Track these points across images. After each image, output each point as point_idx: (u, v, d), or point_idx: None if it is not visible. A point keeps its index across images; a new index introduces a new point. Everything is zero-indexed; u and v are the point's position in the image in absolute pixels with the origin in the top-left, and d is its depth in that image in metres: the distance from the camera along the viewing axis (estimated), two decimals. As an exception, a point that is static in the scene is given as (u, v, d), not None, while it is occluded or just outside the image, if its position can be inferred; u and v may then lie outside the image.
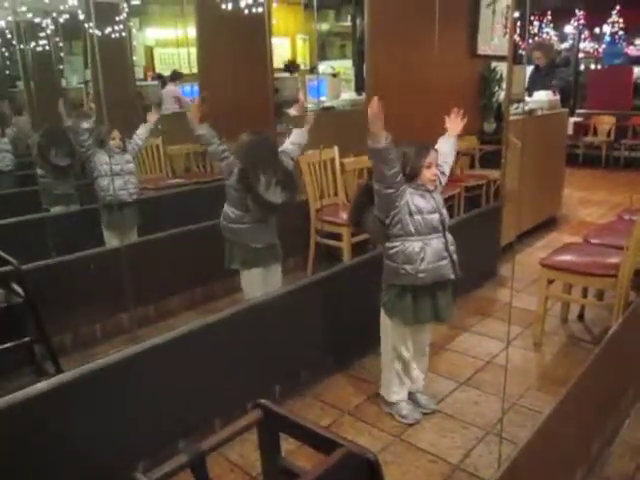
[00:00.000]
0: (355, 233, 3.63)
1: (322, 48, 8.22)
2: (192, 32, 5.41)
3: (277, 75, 5.89)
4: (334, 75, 7.08)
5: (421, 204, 2.26)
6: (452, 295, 2.37)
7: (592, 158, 8.27)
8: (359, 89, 6.38)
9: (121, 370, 1.97)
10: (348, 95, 5.67)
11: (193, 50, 5.39)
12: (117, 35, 5.18)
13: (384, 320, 2.42)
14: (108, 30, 5.10)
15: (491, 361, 2.87)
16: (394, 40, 4.32)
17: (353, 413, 2.49)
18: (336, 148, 4.01)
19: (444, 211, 2.32)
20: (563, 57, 8.59)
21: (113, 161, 3.55)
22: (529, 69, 5.68)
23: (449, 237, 2.30)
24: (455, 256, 2.30)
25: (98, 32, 4.83)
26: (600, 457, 2.14)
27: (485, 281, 3.86)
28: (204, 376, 2.23)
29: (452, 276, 2.28)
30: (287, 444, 1.81)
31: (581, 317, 3.34)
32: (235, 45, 5.20)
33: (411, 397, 2.49)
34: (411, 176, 2.27)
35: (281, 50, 7.33)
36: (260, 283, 2.86)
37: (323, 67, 7.32)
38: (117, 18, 5.09)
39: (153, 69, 6.35)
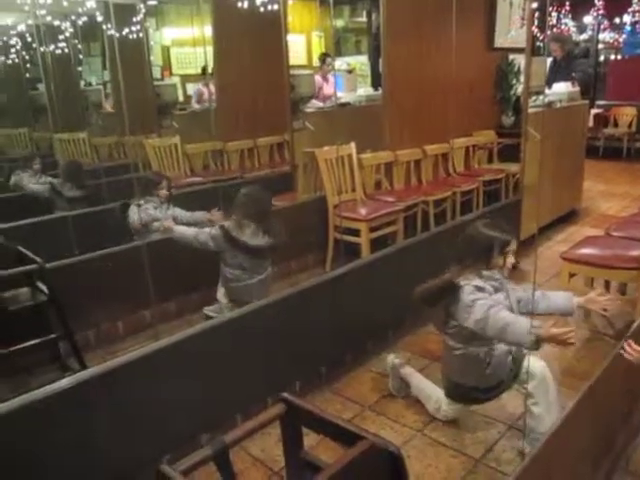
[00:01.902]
0: (374, 229, 3.64)
1: (337, 44, 8.20)
2: (208, 31, 5.45)
3: (293, 72, 5.90)
4: (350, 71, 7.06)
5: (497, 299, 2.08)
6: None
7: (613, 150, 8.14)
8: (375, 84, 6.37)
9: (144, 366, 2.00)
10: (364, 91, 5.66)
11: (210, 49, 5.43)
12: (134, 36, 5.23)
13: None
14: (125, 31, 5.16)
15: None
16: (410, 35, 4.30)
17: (374, 408, 2.49)
18: (353, 144, 4.00)
19: (516, 308, 2.14)
20: (581, 48, 8.46)
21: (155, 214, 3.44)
22: (548, 61, 5.60)
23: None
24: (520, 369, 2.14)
25: (116, 33, 4.90)
26: (625, 451, 2.12)
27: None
28: (225, 371, 2.25)
29: (511, 382, 2.18)
30: (308, 439, 1.82)
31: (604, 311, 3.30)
32: (251, 43, 5.23)
33: None
34: (488, 263, 2.14)
35: (297, 47, 7.33)
36: None
37: (339, 63, 7.30)
38: (134, 19, 5.14)
39: (170, 69, 6.41)
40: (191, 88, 6.26)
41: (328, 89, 5.79)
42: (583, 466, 1.82)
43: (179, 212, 3.50)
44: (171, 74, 6.38)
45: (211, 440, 1.30)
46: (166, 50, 6.40)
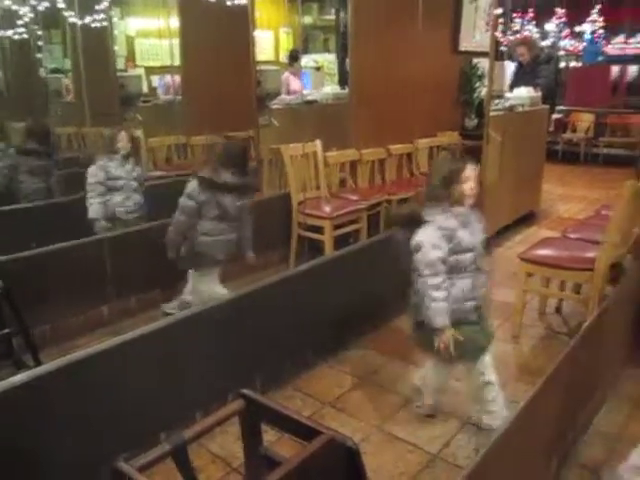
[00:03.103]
0: (338, 227, 3.66)
1: (305, 41, 8.19)
2: (175, 23, 5.37)
3: (260, 68, 5.88)
4: (317, 69, 7.07)
5: (465, 240, 2.12)
6: (479, 330, 2.26)
7: (571, 154, 8.39)
8: (342, 83, 6.39)
9: (101, 363, 1.97)
10: (331, 89, 5.67)
11: (176, 42, 5.36)
12: (98, 24, 5.12)
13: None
14: (88, 19, 5.04)
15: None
16: (377, 35, 4.33)
17: (334, 404, 2.51)
18: (319, 141, 4.01)
19: (479, 247, 2.18)
20: (546, 54, 8.68)
21: (115, 173, 3.41)
22: (513, 65, 5.73)
23: (479, 278, 2.19)
24: (482, 298, 2.21)
25: (79, 21, 4.78)
26: (574, 445, 2.19)
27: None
28: (185, 368, 2.23)
29: (474, 318, 2.21)
30: (268, 435, 1.83)
31: (558, 310, 3.40)
32: (218, 37, 5.18)
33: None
34: (448, 197, 2.12)
35: (264, 43, 7.29)
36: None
37: (306, 61, 7.30)
38: (98, 7, 5.03)
39: (134, 60, 6.30)
40: (156, 80, 6.17)
41: (296, 86, 5.80)
42: (535, 460, 1.88)
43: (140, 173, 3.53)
44: (135, 65, 6.27)
45: (170, 437, 1.29)
46: (131, 41, 6.28)
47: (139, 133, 4.99)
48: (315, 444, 1.06)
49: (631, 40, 11.12)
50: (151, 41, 6.14)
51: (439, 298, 2.08)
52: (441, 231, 2.09)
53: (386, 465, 2.14)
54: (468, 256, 2.13)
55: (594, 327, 2.13)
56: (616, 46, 11.30)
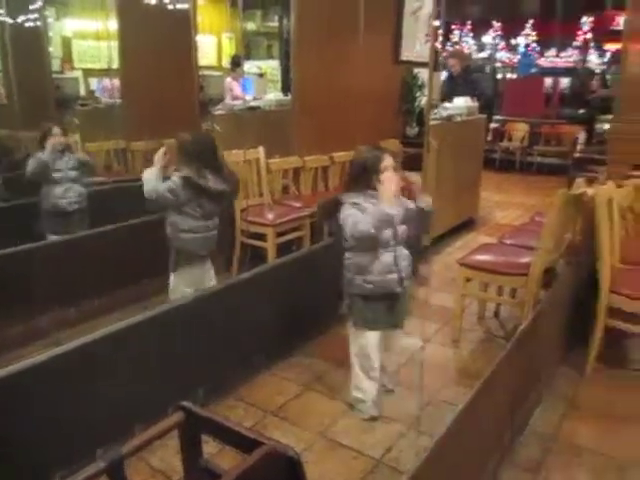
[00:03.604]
0: (280, 234, 3.65)
1: (249, 47, 8.16)
2: (114, 25, 5.23)
3: (202, 73, 5.81)
4: (260, 75, 7.06)
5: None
6: (404, 303, 2.46)
7: (508, 162, 8.69)
8: (286, 90, 6.40)
9: (35, 376, 1.88)
10: (274, 95, 5.68)
11: (115, 44, 5.22)
12: (31, 24, 4.93)
13: (349, 324, 2.47)
14: (21, 18, 4.84)
15: (411, 358, 2.96)
16: (320, 43, 4.37)
17: (277, 413, 2.49)
18: (261, 148, 4.00)
19: (400, 227, 2.35)
20: (477, 65, 8.99)
21: (54, 166, 3.41)
22: (443, 76, 5.91)
23: (401, 252, 2.38)
24: (406, 271, 2.38)
25: (9, 19, 4.59)
26: (511, 446, 2.26)
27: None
28: (123, 381, 2.16)
29: (398, 290, 2.37)
30: (210, 447, 1.79)
31: (496, 314, 3.51)
32: (159, 41, 5.07)
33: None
34: (368, 183, 2.29)
35: (207, 48, 7.21)
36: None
37: (249, 67, 7.28)
38: (31, 6, 4.85)
39: (71, 62, 6.09)
40: (94, 83, 5.99)
41: (239, 92, 5.78)
42: (474, 462, 1.93)
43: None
44: (73, 67, 6.06)
45: (105, 453, 1.25)
46: (67, 42, 6.07)
47: (76, 137, 4.82)
48: (255, 455, 1.05)
49: (562, 54, 11.69)
50: (89, 43, 5.95)
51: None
52: (353, 203, 2.28)
53: (330, 473, 2.14)
54: (387, 233, 2.31)
55: (529, 330, 2.21)
56: (548, 59, 11.85)
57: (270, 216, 3.65)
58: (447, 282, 3.85)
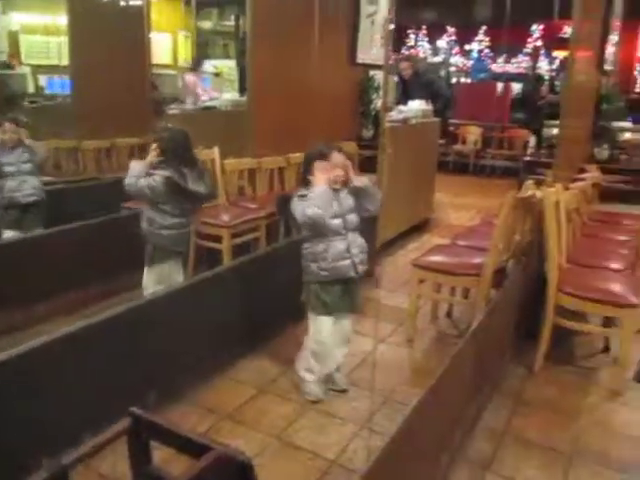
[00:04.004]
0: (236, 235, 3.62)
1: (205, 46, 8.06)
2: (64, 20, 5.08)
3: (157, 71, 5.71)
4: (217, 74, 6.99)
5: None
6: (358, 288, 2.57)
7: (461, 165, 8.88)
8: (242, 90, 6.35)
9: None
10: (231, 95, 5.63)
11: (65, 39, 5.06)
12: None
13: (308, 311, 2.58)
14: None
15: (366, 358, 2.98)
16: (276, 43, 4.35)
17: (232, 417, 2.47)
18: (216, 149, 3.95)
19: (350, 216, 2.47)
20: (429, 68, 9.15)
21: (4, 160, 3.39)
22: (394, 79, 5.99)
23: (354, 239, 2.49)
24: (359, 257, 2.50)
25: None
26: (463, 442, 2.30)
27: (360, 282, 3.97)
28: (73, 386, 2.09)
29: (352, 274, 2.48)
30: (163, 453, 1.76)
31: (449, 314, 3.57)
32: (111, 37, 4.96)
33: (327, 376, 2.64)
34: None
35: (162, 46, 7.09)
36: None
37: (206, 66, 7.19)
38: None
39: (19, 57, 5.87)
40: (44, 79, 5.80)
41: (205, 89, 5.76)
42: (427, 459, 1.95)
43: None
44: (21, 63, 5.85)
45: (49, 463, 1.21)
46: (14, 36, 5.85)
47: (24, 136, 4.66)
48: (203, 461, 1.03)
49: (514, 60, 12.01)
50: (38, 38, 5.76)
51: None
52: (301, 195, 2.41)
53: (285, 475, 2.14)
54: (336, 222, 2.42)
55: (479, 329, 2.26)
56: (501, 64, 12.15)
57: (225, 217, 3.61)
58: (402, 283, 3.90)
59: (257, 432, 2.36)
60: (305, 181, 2.48)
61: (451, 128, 9.37)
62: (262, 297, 2.96)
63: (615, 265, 3.20)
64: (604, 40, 5.54)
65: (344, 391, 2.65)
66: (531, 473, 2.19)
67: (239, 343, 2.89)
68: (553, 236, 2.91)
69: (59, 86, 5.52)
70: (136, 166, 2.86)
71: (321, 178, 2.39)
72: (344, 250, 2.45)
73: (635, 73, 10.86)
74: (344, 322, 2.60)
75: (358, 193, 2.48)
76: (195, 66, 6.07)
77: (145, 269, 2.98)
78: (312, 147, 2.50)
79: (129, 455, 1.31)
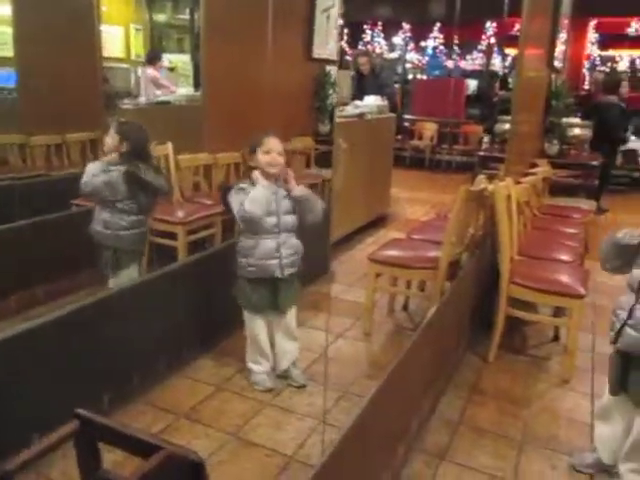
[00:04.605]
0: (191, 232, 3.57)
1: (159, 40, 7.90)
2: (7, 10, 4.89)
3: (109, 65, 5.57)
4: (171, 69, 6.87)
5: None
6: (287, 289, 2.56)
7: (418, 160, 9.00)
8: (198, 84, 6.25)
9: None
10: (185, 90, 5.54)
11: (9, 30, 4.87)
12: None
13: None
14: None
15: (323, 353, 2.99)
16: (230, 38, 4.29)
17: (188, 416, 2.43)
18: (170, 144, 3.88)
19: (286, 217, 2.48)
20: (386, 64, 9.24)
21: None
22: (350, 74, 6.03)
23: (286, 240, 2.49)
24: (289, 259, 2.50)
25: None
26: (419, 432, 2.34)
27: (318, 277, 3.99)
28: (21, 388, 2.03)
29: (278, 275, 2.49)
30: (116, 456, 1.72)
31: (405, 307, 3.62)
32: (59, 29, 4.80)
33: (283, 371, 2.69)
34: (255, 167, 2.44)
35: (113, 39, 6.91)
36: None
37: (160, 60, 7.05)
38: None
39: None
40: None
41: (166, 82, 5.67)
42: (383, 450, 1.97)
43: None
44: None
45: (-6, 468, 1.16)
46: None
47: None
48: (153, 460, 1.01)
49: (469, 56, 12.22)
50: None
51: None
52: (239, 189, 2.42)
53: (243, 472, 2.12)
54: (270, 220, 2.43)
55: (433, 321, 2.29)
56: (456, 61, 12.33)
57: (180, 214, 3.55)
58: (359, 278, 3.92)
59: (214, 430, 2.34)
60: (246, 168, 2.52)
61: (407, 124, 9.49)
62: (219, 294, 2.92)
63: (564, 257, 3.30)
64: (553, 38, 5.67)
65: (302, 386, 2.65)
66: (484, 459, 2.25)
67: (196, 341, 2.86)
68: (505, 229, 2.98)
69: (5, 79, 5.31)
70: (92, 166, 2.79)
71: (266, 160, 2.41)
72: (273, 249, 2.45)
73: (583, 71, 11.21)
74: (284, 317, 2.62)
75: (298, 202, 2.50)
76: (151, 60, 5.94)
77: (110, 280, 2.85)
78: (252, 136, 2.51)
79: (77, 459, 1.27)
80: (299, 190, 2.49)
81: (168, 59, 7.16)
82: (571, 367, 2.89)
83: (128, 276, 2.85)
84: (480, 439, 2.38)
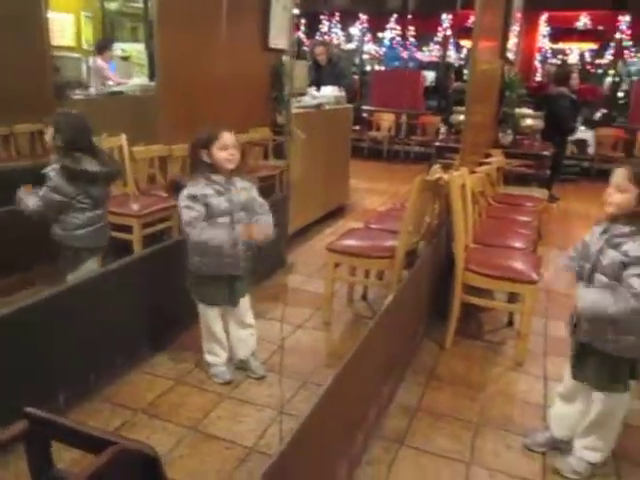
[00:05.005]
0: (147, 225, 3.50)
1: (112, 29, 7.69)
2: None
3: (59, 53, 5.40)
4: (125, 58, 6.70)
5: (214, 206, 2.37)
6: (242, 284, 2.56)
7: (376, 151, 9.06)
8: (153, 75, 6.12)
9: None
10: (139, 80, 5.42)
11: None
12: None
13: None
14: None
15: (283, 344, 2.99)
16: (185, 26, 4.21)
17: (146, 411, 2.40)
18: (124, 135, 3.79)
19: (239, 214, 2.43)
20: (343, 55, 9.26)
21: None
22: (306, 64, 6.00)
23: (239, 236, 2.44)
24: (245, 254, 2.47)
25: None
26: (378, 419, 2.37)
27: (276, 269, 3.99)
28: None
29: (235, 272, 2.48)
30: (73, 454, 1.69)
31: (364, 297, 3.65)
32: (3, 15, 4.62)
33: (242, 362, 2.69)
34: (208, 163, 2.38)
35: (63, 27, 6.68)
36: None
37: (113, 49, 6.87)
38: None
39: None
40: None
41: (111, 74, 5.51)
42: (342, 437, 1.99)
43: None
44: None
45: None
46: None
47: None
48: (105, 456, 0.99)
49: (426, 48, 12.33)
50: None
51: (209, 236, 2.35)
52: (191, 196, 2.35)
53: (203, 466, 2.11)
54: (224, 219, 2.39)
55: (390, 309, 2.32)
56: (413, 53, 12.43)
57: (135, 207, 3.48)
58: (319, 269, 3.94)
59: (173, 425, 2.32)
60: (195, 166, 2.42)
61: (365, 115, 9.53)
62: (176, 287, 2.88)
63: (517, 244, 3.39)
64: (506, 31, 5.78)
65: (262, 378, 2.65)
66: (442, 442, 2.30)
67: (153, 336, 2.81)
68: (459, 217, 3.03)
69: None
70: (23, 196, 2.63)
71: (222, 164, 2.37)
72: (229, 247, 2.41)
73: (535, 63, 11.46)
74: (238, 307, 2.61)
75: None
76: (100, 49, 5.78)
77: (68, 275, 2.74)
78: (201, 130, 2.44)
79: (27, 458, 1.24)
80: (263, 236, 2.46)
81: (122, 48, 6.99)
82: (524, 351, 2.97)
83: (87, 270, 2.76)
84: (437, 423, 2.43)
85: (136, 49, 7.36)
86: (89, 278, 2.53)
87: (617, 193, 1.87)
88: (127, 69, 6.37)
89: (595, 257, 1.94)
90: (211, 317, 2.58)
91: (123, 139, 3.77)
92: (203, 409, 2.42)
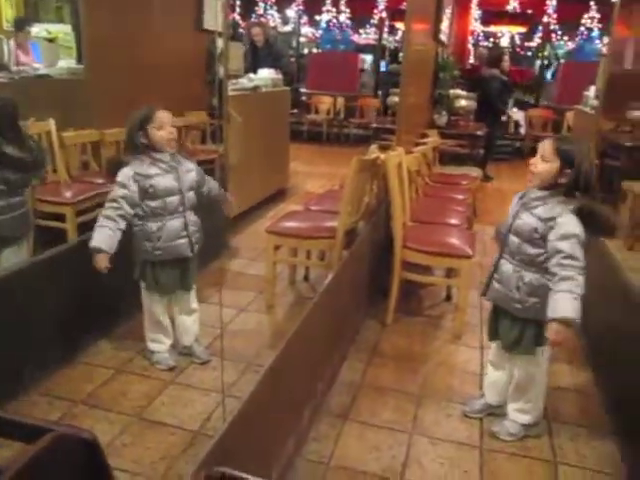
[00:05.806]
0: (82, 212, 3.39)
1: (35, 8, 7.31)
2: None
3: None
4: (50, 40, 6.39)
5: (161, 185, 2.34)
6: (194, 267, 2.57)
7: (315, 134, 9.06)
8: (81, 58, 5.87)
9: None
10: (66, 63, 5.19)
11: None
12: None
13: (142, 286, 2.56)
14: None
15: (226, 328, 2.98)
16: (114, 7, 4.06)
17: (87, 402, 2.35)
18: (52, 120, 3.64)
19: (189, 194, 2.44)
20: (279, 38, 9.19)
21: None
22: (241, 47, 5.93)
23: (190, 217, 2.47)
24: (195, 235, 2.49)
25: None
26: (324, 396, 2.41)
27: (218, 253, 3.95)
28: None
29: (189, 254, 2.47)
30: (11, 450, 1.63)
31: (306, 278, 3.68)
32: None
33: (186, 348, 2.67)
34: (146, 144, 2.34)
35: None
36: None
37: (37, 30, 6.54)
38: None
39: None
40: None
41: (25, 58, 5.19)
42: (288, 416, 2.02)
43: None
44: None
45: None
46: None
47: None
48: (40, 443, 0.97)
49: (362, 30, 12.38)
50: None
51: (105, 225, 2.32)
52: (133, 175, 2.32)
53: (149, 452, 2.09)
54: (174, 199, 2.38)
55: (331, 288, 2.35)
56: (350, 35, 12.46)
57: (68, 194, 3.36)
58: (261, 252, 3.92)
59: (115, 414, 2.28)
60: (132, 149, 2.37)
61: (304, 98, 9.51)
62: (115, 274, 2.82)
63: (453, 221, 3.50)
64: (439, 13, 5.88)
65: (206, 362, 2.64)
66: (386, 415, 2.37)
67: (91, 326, 2.74)
68: (397, 196, 3.09)
69: None
70: None
71: (163, 136, 2.34)
72: (181, 229, 2.42)
73: (468, 46, 11.72)
74: (186, 293, 2.61)
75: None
76: (19, 29, 5.48)
77: None
78: (135, 111, 2.40)
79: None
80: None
81: (47, 29, 6.65)
82: (462, 323, 3.08)
83: (4, 260, 2.63)
84: (382, 397, 2.50)
85: (63, 30, 7.03)
86: (19, 268, 2.43)
87: (542, 162, 1.96)
88: (53, 51, 6.07)
89: (511, 220, 2.04)
90: (156, 303, 2.55)
91: (52, 124, 3.62)
92: (147, 396, 2.39)
